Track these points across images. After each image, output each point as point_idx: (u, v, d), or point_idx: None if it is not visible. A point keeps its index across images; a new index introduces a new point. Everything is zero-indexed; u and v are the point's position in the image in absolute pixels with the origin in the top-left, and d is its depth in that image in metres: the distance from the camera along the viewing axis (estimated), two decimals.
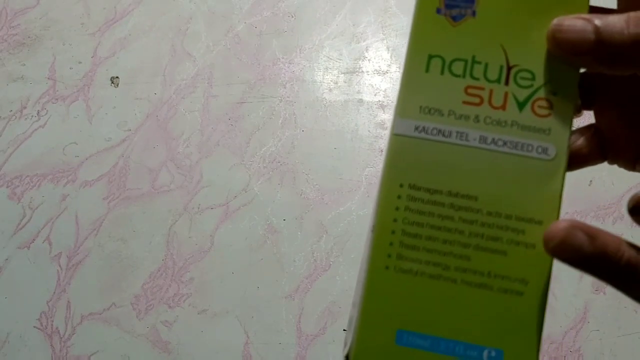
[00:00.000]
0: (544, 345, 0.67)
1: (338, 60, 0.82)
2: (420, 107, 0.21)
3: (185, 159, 0.76)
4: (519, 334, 0.19)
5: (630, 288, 0.19)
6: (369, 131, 0.78)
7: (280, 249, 0.71)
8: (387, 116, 0.79)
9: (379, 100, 0.80)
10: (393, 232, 0.20)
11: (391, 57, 0.83)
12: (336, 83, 0.81)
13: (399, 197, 0.20)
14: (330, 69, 0.81)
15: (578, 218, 0.72)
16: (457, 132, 0.21)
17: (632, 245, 0.19)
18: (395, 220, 0.20)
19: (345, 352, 0.20)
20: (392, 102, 0.79)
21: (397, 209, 0.20)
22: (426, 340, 0.19)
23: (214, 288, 0.70)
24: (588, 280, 0.70)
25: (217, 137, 0.77)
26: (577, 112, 0.25)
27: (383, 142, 0.78)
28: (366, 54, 0.83)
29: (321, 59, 0.82)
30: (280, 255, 0.71)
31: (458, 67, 0.21)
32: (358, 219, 0.73)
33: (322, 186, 0.74)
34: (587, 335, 0.67)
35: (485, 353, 0.19)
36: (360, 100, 0.80)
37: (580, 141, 0.25)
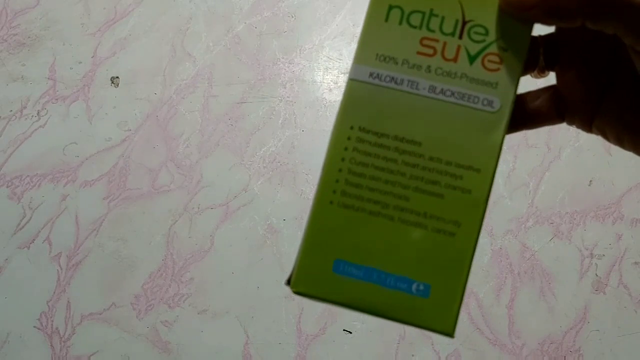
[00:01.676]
0: (544, 346, 0.67)
1: (338, 61, 0.82)
2: (377, 54, 0.22)
3: (185, 159, 0.76)
4: (448, 272, 0.21)
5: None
6: None
7: (280, 249, 0.71)
8: None
9: None
10: (340, 170, 0.22)
11: None
12: (336, 83, 0.81)
13: (348, 138, 0.22)
14: (330, 69, 0.81)
15: (578, 218, 0.72)
16: (409, 81, 0.22)
17: None
18: (343, 159, 0.22)
19: (287, 277, 0.21)
20: None
21: (345, 149, 0.22)
22: (360, 270, 0.21)
23: (214, 288, 0.70)
24: (588, 280, 0.70)
25: (217, 137, 0.77)
26: (542, 72, 0.26)
27: None
28: None
29: (321, 59, 0.82)
30: (280, 255, 0.71)
31: (416, 19, 0.22)
32: None
33: None
34: (587, 335, 0.67)
35: (414, 286, 0.21)
36: None
37: (539, 101, 0.26)
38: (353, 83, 0.22)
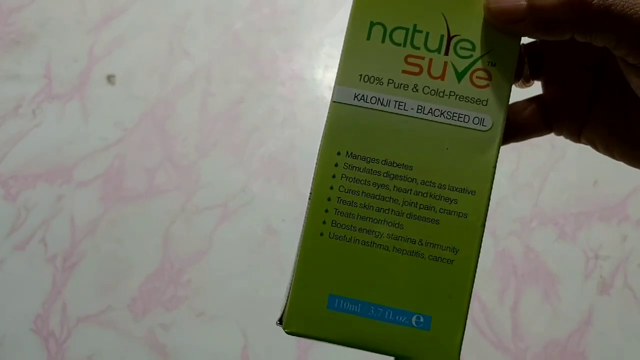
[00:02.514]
0: (548, 349, 0.66)
1: (338, 58, 0.81)
2: (360, 75, 0.22)
3: (183, 159, 0.75)
4: (448, 301, 0.20)
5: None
6: None
7: (279, 250, 0.71)
8: None
9: None
10: (329, 199, 0.21)
11: None
12: None
13: (336, 165, 0.21)
14: (330, 67, 0.81)
15: (582, 219, 0.71)
16: (396, 102, 0.21)
17: None
18: (331, 187, 0.21)
19: (279, 316, 0.21)
20: None
21: (333, 176, 0.21)
22: (357, 305, 0.20)
23: (212, 290, 0.70)
24: (593, 282, 0.69)
25: (215, 136, 0.76)
26: (527, 81, 0.25)
27: None
28: None
29: (321, 56, 0.81)
30: (279, 257, 0.70)
31: (399, 36, 0.21)
32: None
33: None
34: (592, 338, 0.67)
35: (414, 319, 0.20)
36: None
37: (526, 112, 0.25)
38: (337, 106, 0.22)
